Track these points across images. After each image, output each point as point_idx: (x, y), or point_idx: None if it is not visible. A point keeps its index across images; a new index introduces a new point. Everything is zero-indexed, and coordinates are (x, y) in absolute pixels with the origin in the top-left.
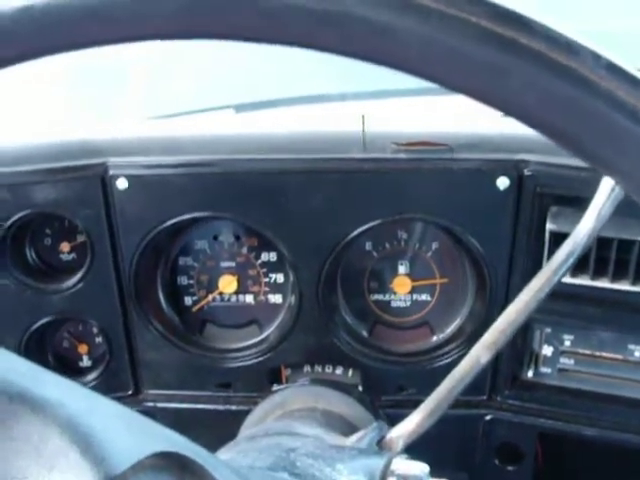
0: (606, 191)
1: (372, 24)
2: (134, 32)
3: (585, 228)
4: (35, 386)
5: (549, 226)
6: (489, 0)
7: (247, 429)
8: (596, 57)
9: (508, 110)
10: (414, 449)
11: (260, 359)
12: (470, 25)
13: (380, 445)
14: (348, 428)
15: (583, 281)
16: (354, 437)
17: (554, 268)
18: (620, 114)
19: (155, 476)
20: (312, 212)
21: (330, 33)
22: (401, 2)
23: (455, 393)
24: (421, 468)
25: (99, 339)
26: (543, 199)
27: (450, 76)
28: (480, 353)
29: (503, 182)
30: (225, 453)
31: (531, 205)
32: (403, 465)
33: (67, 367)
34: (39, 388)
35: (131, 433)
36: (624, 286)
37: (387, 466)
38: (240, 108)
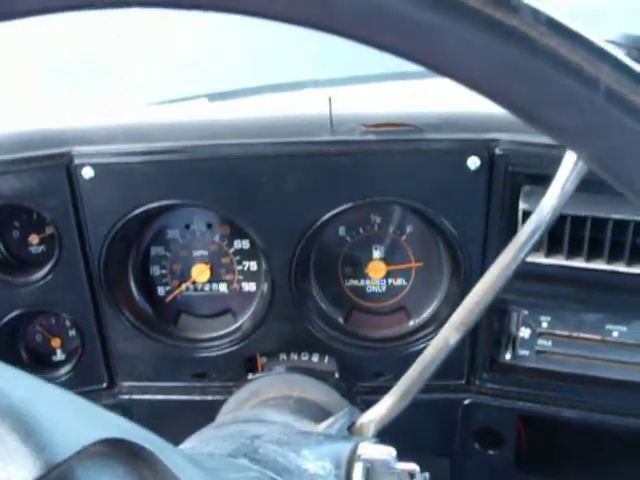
0: (568, 167)
1: None
2: None
3: (548, 204)
4: None
5: (522, 205)
6: None
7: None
8: (536, 13)
9: (448, 72)
10: (392, 435)
11: (235, 348)
12: None
13: (351, 430)
14: (323, 415)
15: (558, 261)
16: (324, 423)
17: (519, 245)
18: (563, 73)
19: (103, 463)
20: (282, 197)
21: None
22: None
23: (426, 375)
24: (388, 452)
25: (72, 332)
26: (515, 178)
27: (388, 38)
28: (449, 334)
29: (474, 162)
30: (189, 442)
31: (503, 185)
32: (370, 449)
33: (40, 361)
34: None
35: (76, 420)
36: (600, 265)
37: (354, 451)
38: (213, 97)
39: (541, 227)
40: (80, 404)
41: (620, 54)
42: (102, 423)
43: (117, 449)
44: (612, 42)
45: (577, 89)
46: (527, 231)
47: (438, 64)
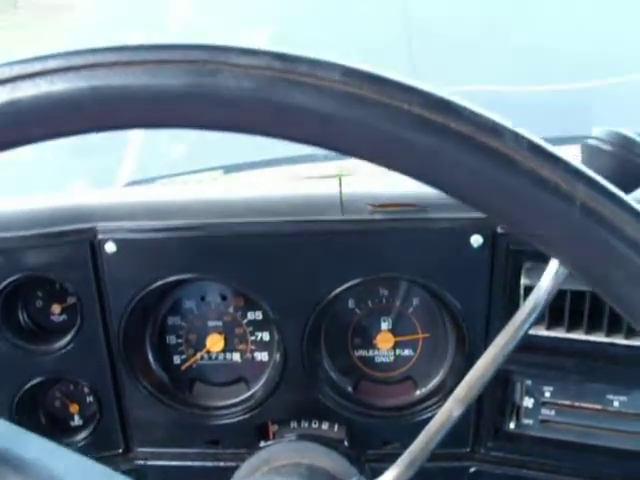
0: None
1: (318, 115)
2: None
3: (548, 282)
4: (17, 447)
5: (523, 281)
6: (421, 89)
7: None
8: (519, 138)
9: (443, 187)
10: None
11: (247, 416)
12: (404, 112)
13: None
14: None
15: (559, 334)
16: None
17: (521, 320)
18: (543, 190)
19: None
20: (294, 273)
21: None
22: (345, 94)
23: (432, 446)
24: None
25: (90, 398)
26: (517, 255)
27: (390, 159)
28: (453, 407)
29: (477, 240)
30: None
31: (505, 261)
32: None
33: (58, 426)
34: (21, 449)
35: None
36: (599, 338)
37: None
38: (228, 169)
39: (541, 303)
40: (110, 476)
41: (593, 173)
42: None
43: None
44: (598, 139)
45: (555, 204)
46: (528, 307)
47: (436, 182)
